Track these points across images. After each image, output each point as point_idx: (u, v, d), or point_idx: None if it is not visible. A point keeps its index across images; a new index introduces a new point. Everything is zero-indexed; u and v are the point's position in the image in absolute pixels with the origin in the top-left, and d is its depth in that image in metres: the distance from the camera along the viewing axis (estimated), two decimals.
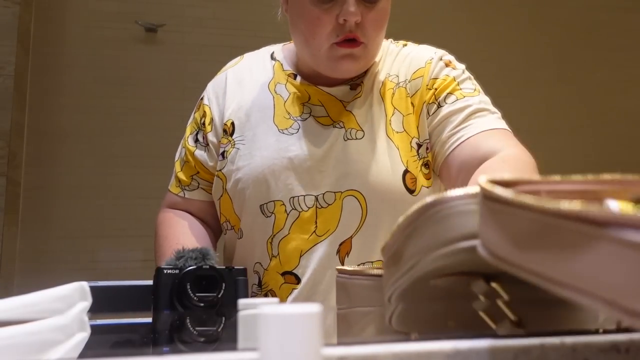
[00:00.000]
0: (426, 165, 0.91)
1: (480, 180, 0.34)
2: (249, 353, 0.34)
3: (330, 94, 0.94)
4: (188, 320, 0.64)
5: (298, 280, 0.88)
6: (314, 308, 0.26)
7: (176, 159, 1.05)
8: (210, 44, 2.47)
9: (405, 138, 0.91)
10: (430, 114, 0.91)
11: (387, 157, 0.89)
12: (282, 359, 0.25)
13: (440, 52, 0.98)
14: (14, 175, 2.13)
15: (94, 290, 0.48)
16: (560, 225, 0.27)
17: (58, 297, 0.45)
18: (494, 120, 0.88)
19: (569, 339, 0.35)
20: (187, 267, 0.67)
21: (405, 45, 1.02)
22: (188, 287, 0.66)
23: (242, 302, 0.48)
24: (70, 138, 2.31)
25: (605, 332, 0.38)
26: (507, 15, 2.82)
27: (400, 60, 0.97)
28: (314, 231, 0.88)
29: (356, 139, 0.91)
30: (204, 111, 1.01)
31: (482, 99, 0.92)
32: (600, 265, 0.25)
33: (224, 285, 0.67)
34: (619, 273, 0.24)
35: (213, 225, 1.03)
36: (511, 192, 0.31)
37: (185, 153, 1.02)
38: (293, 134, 0.92)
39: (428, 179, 0.91)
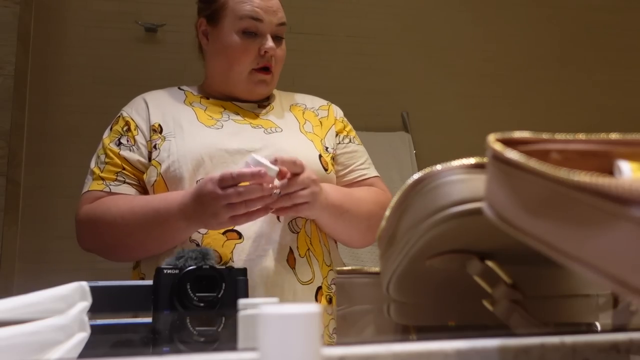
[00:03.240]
0: (333, 159, 1.17)
1: (489, 139, 0.33)
2: (249, 353, 0.34)
3: (243, 107, 1.17)
4: (188, 320, 0.64)
5: (240, 235, 0.99)
6: (314, 308, 0.26)
7: (92, 167, 1.13)
8: None
9: (317, 138, 1.16)
10: (341, 139, 1.21)
11: (304, 143, 1.12)
12: (282, 359, 0.25)
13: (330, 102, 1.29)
14: (14, 175, 2.12)
15: (94, 290, 0.48)
16: (577, 198, 0.26)
17: (58, 297, 0.45)
18: (374, 169, 1.23)
19: (569, 339, 0.35)
20: (187, 267, 0.67)
21: (292, 92, 1.30)
22: (188, 287, 0.66)
23: (242, 302, 0.48)
24: (70, 138, 2.30)
25: (605, 331, 0.38)
26: (507, 15, 2.82)
27: (300, 98, 1.26)
28: None
29: (276, 132, 1.13)
30: (126, 121, 1.14)
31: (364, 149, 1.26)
32: (617, 244, 0.24)
33: (224, 285, 0.67)
34: (635, 253, 0.23)
35: None
36: (524, 156, 0.30)
37: (107, 156, 1.10)
38: (219, 129, 1.10)
39: (333, 167, 1.16)
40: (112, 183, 1.08)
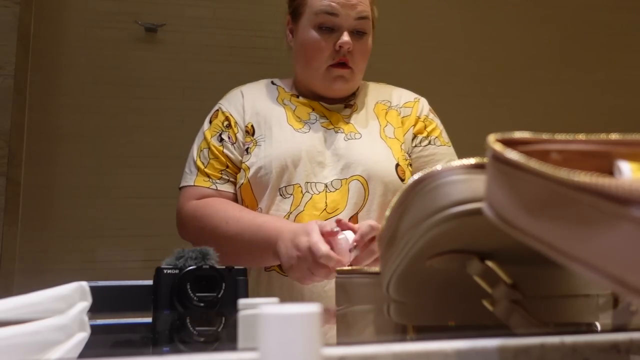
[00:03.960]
0: (410, 165, 1.16)
1: (489, 139, 0.33)
2: (249, 353, 0.34)
3: (330, 109, 1.17)
4: (188, 320, 0.64)
5: None
6: (314, 308, 0.26)
7: (195, 159, 1.15)
8: (210, 44, 2.47)
9: (397, 143, 1.14)
10: (418, 142, 1.17)
11: (382, 151, 1.12)
12: (282, 359, 0.25)
13: (420, 96, 1.26)
14: (14, 175, 2.12)
15: (94, 290, 0.48)
16: (577, 198, 0.26)
17: (58, 297, 0.45)
18: None
19: (569, 339, 0.35)
20: (187, 267, 0.67)
21: (383, 83, 1.29)
22: (188, 287, 0.66)
23: (242, 302, 0.48)
24: (70, 138, 2.30)
25: (605, 331, 0.38)
26: (507, 15, 2.82)
27: (387, 92, 1.24)
28: (325, 209, 1.05)
29: (355, 139, 1.13)
30: (225, 116, 1.16)
31: (453, 151, 1.22)
32: (617, 244, 0.24)
33: (224, 285, 0.67)
34: (634, 253, 0.23)
35: None
36: (523, 156, 0.30)
37: (210, 152, 1.13)
38: (305, 133, 1.12)
39: (410, 175, 1.14)
40: (217, 181, 1.11)
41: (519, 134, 0.33)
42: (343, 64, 1.12)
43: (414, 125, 1.18)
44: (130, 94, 2.38)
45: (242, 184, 1.09)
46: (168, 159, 2.37)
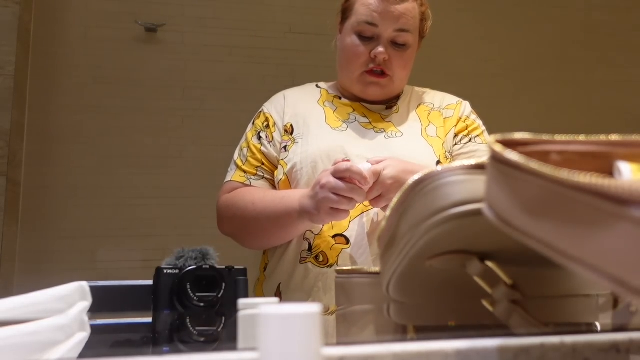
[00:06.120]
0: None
1: (490, 140, 0.33)
2: (249, 353, 0.34)
3: (371, 109, 1.19)
4: (188, 320, 0.64)
5: (347, 241, 1.03)
6: (313, 308, 0.26)
7: (235, 158, 1.21)
8: (210, 44, 2.47)
9: (438, 141, 1.15)
10: (459, 140, 1.18)
11: (423, 149, 1.12)
12: (282, 359, 0.25)
13: (462, 99, 1.27)
14: (14, 175, 2.12)
15: (94, 290, 0.48)
16: (577, 199, 0.26)
17: (58, 297, 0.45)
18: None
19: (569, 339, 0.35)
20: (187, 267, 0.68)
21: (428, 89, 1.31)
22: (188, 287, 0.66)
23: (242, 302, 0.48)
24: (70, 138, 2.30)
25: (605, 331, 0.38)
26: (507, 15, 2.82)
27: (430, 96, 1.26)
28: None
29: (396, 137, 1.14)
30: (266, 117, 1.20)
31: None
32: (617, 244, 0.24)
33: (224, 285, 0.67)
34: (634, 253, 0.23)
35: None
36: (523, 157, 0.30)
37: (249, 150, 1.19)
38: (343, 131, 1.14)
39: None
40: (252, 177, 1.17)
41: (518, 135, 0.33)
42: (379, 72, 1.14)
43: (455, 126, 1.19)
44: (130, 94, 2.38)
45: (280, 179, 1.13)
46: (168, 159, 2.37)
